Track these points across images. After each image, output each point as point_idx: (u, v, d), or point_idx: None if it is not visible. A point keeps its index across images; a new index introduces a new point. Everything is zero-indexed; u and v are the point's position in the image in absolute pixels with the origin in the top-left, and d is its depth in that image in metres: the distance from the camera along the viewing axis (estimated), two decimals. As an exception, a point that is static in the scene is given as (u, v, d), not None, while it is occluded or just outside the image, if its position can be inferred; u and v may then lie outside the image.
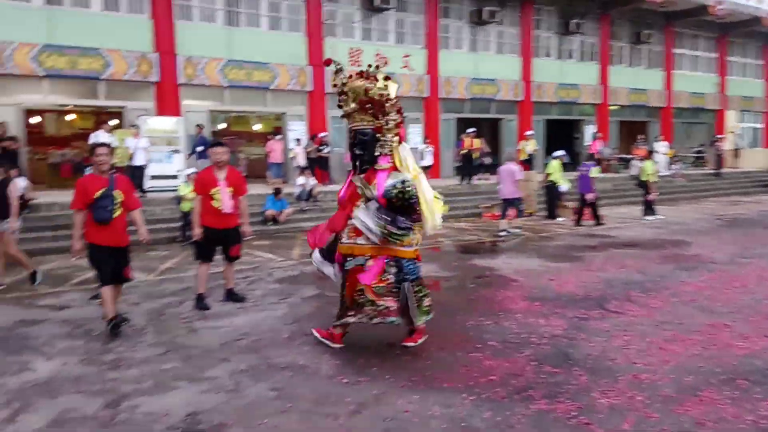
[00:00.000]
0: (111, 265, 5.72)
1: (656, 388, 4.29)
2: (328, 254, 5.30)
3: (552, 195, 14.68)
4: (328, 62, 5.23)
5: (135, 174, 13.37)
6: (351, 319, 5.06)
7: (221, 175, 6.55)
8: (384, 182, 4.96)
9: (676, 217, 14.90)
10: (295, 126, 18.29)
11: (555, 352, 5.09)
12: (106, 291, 5.69)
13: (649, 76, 26.09)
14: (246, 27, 17.14)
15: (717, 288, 7.29)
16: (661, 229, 12.69)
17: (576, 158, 24.96)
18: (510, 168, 12.56)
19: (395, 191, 4.87)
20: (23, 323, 6.10)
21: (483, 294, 7.17)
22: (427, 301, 5.23)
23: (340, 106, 5.29)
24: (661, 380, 4.42)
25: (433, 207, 5.13)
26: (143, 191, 13.44)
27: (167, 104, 15.82)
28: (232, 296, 6.89)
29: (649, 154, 15.00)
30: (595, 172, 13.66)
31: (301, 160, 15.97)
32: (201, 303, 6.60)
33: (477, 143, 18.30)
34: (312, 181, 14.58)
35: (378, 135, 5.09)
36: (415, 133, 20.41)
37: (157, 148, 14.43)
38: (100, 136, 12.53)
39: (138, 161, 13.34)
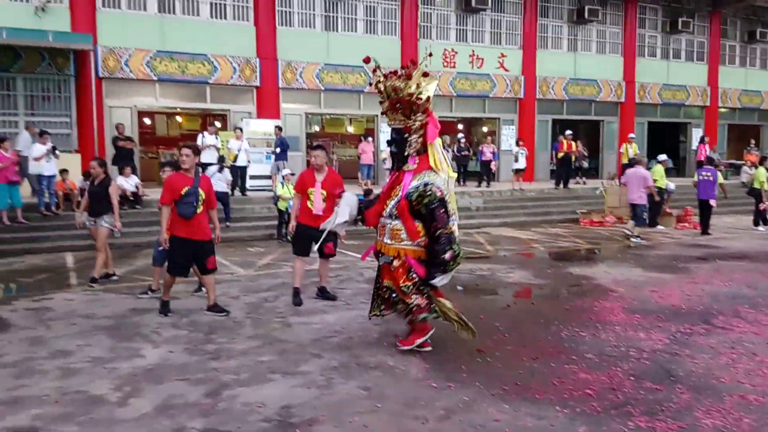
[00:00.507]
0: (188, 258, 6.32)
1: (766, 411, 3.98)
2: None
3: (654, 202, 13.93)
4: (367, 60, 5.18)
5: (239, 174, 14.01)
6: (387, 314, 5.34)
7: (319, 177, 6.75)
8: (409, 183, 5.03)
9: (796, 228, 13.73)
10: (386, 128, 18.48)
11: (655, 367, 4.84)
12: (169, 279, 6.40)
13: (763, 77, 24.28)
14: (342, 32, 17.51)
15: (843, 308, 6.65)
16: (778, 241, 11.76)
17: (681, 163, 23.68)
18: (639, 172, 12.10)
19: (416, 194, 4.93)
20: (134, 312, 6.54)
21: (579, 304, 6.92)
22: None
23: (381, 102, 5.32)
24: (775, 405, 4.10)
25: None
26: (244, 191, 14.02)
27: (267, 107, 16.46)
28: (324, 294, 7.07)
29: (762, 161, 13.93)
30: (720, 178, 12.91)
31: (389, 163, 16.09)
32: (296, 298, 6.82)
33: (575, 146, 17.72)
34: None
35: (407, 135, 5.11)
36: (509, 135, 20.09)
37: (257, 149, 15.05)
38: (206, 138, 13.26)
39: (241, 162, 13.94)
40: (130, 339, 5.60)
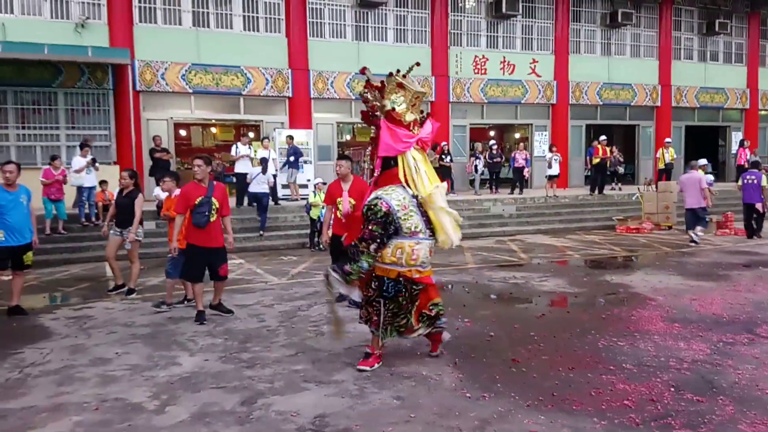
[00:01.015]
0: (201, 264, 6.56)
1: (820, 427, 3.83)
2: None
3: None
4: (363, 71, 5.16)
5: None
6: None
7: (346, 186, 6.80)
8: (368, 196, 5.03)
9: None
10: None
11: (697, 378, 4.71)
12: (198, 287, 6.59)
13: (807, 79, 23.57)
14: (373, 41, 17.62)
15: None
16: (825, 247, 11.35)
17: (720, 168, 23.09)
18: (694, 176, 11.97)
19: (366, 207, 4.87)
20: (171, 320, 6.65)
21: (616, 313, 6.79)
22: (400, 320, 4.99)
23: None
24: (826, 419, 3.94)
25: (446, 222, 4.97)
26: (276, 200, 14.17)
27: (299, 117, 16.64)
28: (355, 302, 7.07)
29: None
30: (764, 181, 12.59)
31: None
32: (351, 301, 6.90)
33: (609, 151, 17.46)
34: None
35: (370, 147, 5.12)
36: (541, 141, 19.90)
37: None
38: (239, 148, 13.45)
39: (270, 171, 14.05)
40: (167, 347, 5.69)
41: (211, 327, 6.35)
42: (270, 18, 16.46)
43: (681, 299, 7.36)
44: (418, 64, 5.25)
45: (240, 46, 16.02)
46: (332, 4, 17.17)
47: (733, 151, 21.65)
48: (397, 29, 17.98)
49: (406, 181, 4.94)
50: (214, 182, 6.70)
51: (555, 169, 16.83)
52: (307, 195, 12.94)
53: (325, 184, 10.82)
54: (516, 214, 15.36)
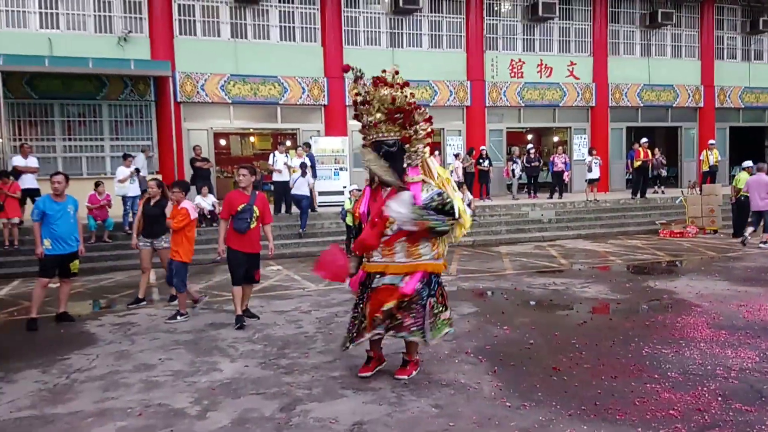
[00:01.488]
0: (243, 268, 6.74)
1: None
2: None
3: (741, 211, 13.21)
4: (347, 68, 4.91)
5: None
6: (367, 335, 4.83)
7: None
8: (420, 195, 4.73)
9: None
10: (452, 141, 18.44)
11: (745, 387, 4.55)
12: (237, 290, 6.75)
13: None
14: (408, 47, 17.65)
15: None
16: None
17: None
18: (762, 179, 11.76)
19: (434, 203, 4.69)
20: (212, 326, 6.76)
21: (660, 319, 6.61)
22: (444, 315, 4.91)
23: (357, 117, 4.93)
24: None
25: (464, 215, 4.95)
26: (313, 207, 14.26)
27: (335, 125, 16.77)
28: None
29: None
30: None
31: (460, 175, 16.00)
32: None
33: (651, 154, 17.08)
34: (468, 195, 14.55)
35: (407, 146, 4.82)
36: (581, 144, 19.61)
37: (326, 166, 15.34)
38: (277, 156, 13.62)
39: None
40: (209, 353, 5.78)
41: (251, 333, 6.43)
42: (306, 27, 16.66)
43: (728, 305, 7.14)
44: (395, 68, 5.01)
45: (277, 56, 16.25)
46: (367, 12, 17.29)
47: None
48: (431, 35, 17.98)
49: (430, 175, 4.98)
50: (257, 192, 6.92)
51: (595, 173, 16.53)
52: (343, 202, 13.01)
53: (360, 190, 10.86)
54: (555, 219, 15.14)
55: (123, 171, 12.24)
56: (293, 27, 16.55)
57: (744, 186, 12.66)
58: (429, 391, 4.63)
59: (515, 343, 5.86)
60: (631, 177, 18.12)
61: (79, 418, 4.31)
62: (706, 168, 17.46)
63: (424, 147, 4.88)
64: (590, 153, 16.99)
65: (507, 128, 19.35)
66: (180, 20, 15.50)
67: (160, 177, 13.12)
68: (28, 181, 11.67)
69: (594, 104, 19.61)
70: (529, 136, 22.98)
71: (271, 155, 14.00)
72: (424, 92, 17.43)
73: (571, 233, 14.28)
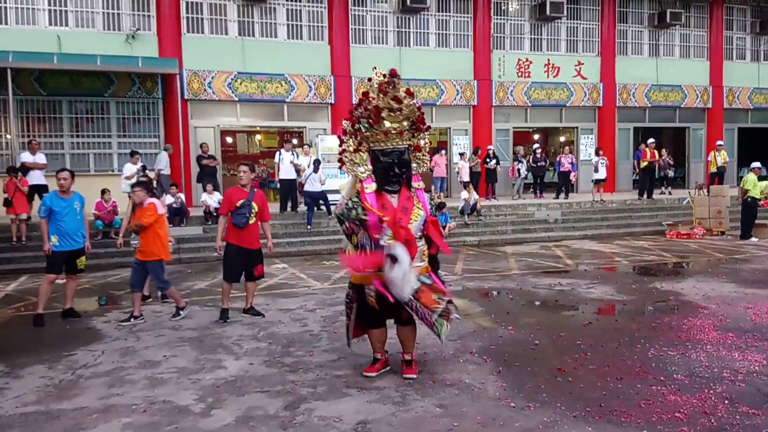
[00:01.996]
0: (241, 264, 6.85)
1: None
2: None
3: (749, 212, 13.14)
4: (394, 73, 4.81)
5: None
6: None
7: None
8: (426, 201, 4.90)
9: None
10: (459, 140, 18.41)
11: (752, 390, 4.51)
12: (227, 286, 6.88)
13: None
14: (415, 46, 17.63)
15: None
16: None
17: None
18: None
19: (434, 203, 4.90)
20: (217, 324, 6.76)
21: (666, 321, 6.57)
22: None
23: (369, 124, 4.78)
24: None
25: None
26: (319, 206, 14.25)
27: (341, 123, 16.73)
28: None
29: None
30: None
31: (465, 175, 15.95)
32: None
33: (658, 154, 16.99)
34: (475, 195, 14.53)
35: (418, 153, 4.96)
36: (587, 144, 19.54)
37: (332, 164, 15.26)
38: (283, 154, 13.61)
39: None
40: (213, 350, 5.79)
41: (256, 331, 6.43)
42: (313, 26, 16.66)
43: (735, 307, 7.09)
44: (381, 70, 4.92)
45: (284, 54, 16.26)
46: (374, 11, 17.27)
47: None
48: (438, 34, 17.95)
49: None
50: (255, 189, 7.04)
51: (602, 173, 16.46)
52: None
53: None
54: (561, 219, 15.08)
55: (130, 168, 12.27)
56: (300, 25, 16.56)
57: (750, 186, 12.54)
58: (433, 391, 4.61)
59: (520, 343, 5.84)
60: (637, 177, 18.04)
61: (84, 414, 4.32)
62: (714, 169, 17.38)
63: (425, 155, 5.01)
64: (597, 153, 16.92)
65: (514, 128, 19.30)
66: (188, 18, 15.52)
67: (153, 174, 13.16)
68: (35, 178, 11.72)
69: (601, 104, 19.54)
70: (536, 136, 22.90)
71: (278, 153, 14.00)
72: (431, 91, 17.41)
73: (577, 234, 14.22)
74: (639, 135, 20.09)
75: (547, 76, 18.93)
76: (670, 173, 19.05)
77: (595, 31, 19.48)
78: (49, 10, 14.43)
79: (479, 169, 16.75)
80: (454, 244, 12.83)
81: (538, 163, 17.62)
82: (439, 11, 17.90)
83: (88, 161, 14.85)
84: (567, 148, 18.50)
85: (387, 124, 4.76)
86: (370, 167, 4.83)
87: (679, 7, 20.00)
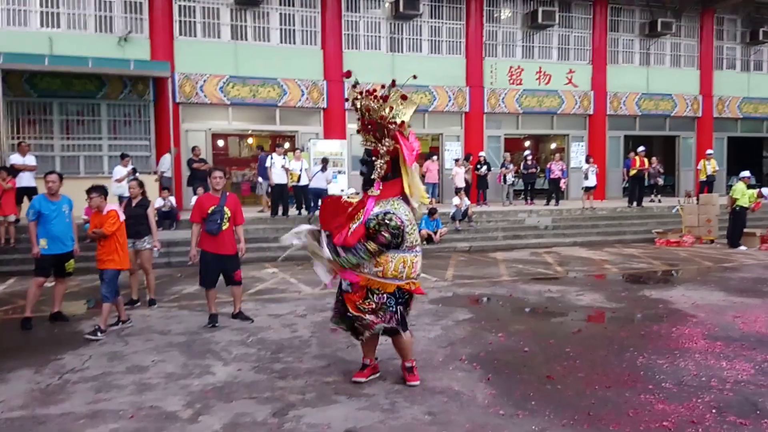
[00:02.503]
0: (216, 271, 6.85)
1: None
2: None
3: (737, 221, 13.24)
4: (348, 74, 4.94)
5: (302, 194, 14.24)
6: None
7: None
8: (371, 209, 4.73)
9: None
10: (451, 146, 18.46)
11: (740, 400, 4.54)
12: (210, 293, 6.90)
13: None
14: (407, 52, 17.67)
15: None
16: None
17: (765, 180, 22.40)
18: None
19: (374, 221, 4.64)
20: (206, 329, 6.72)
21: (655, 329, 6.60)
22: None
23: (358, 120, 4.96)
24: None
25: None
26: (309, 209, 14.24)
27: (334, 128, 16.77)
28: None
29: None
30: None
31: (459, 181, 15.98)
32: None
33: (647, 163, 17.10)
34: (466, 201, 14.57)
35: (373, 158, 4.82)
36: (578, 151, 19.63)
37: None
38: (275, 159, 13.58)
39: (303, 182, 14.16)
40: (202, 356, 5.75)
41: (245, 337, 6.40)
42: (306, 30, 16.67)
43: (723, 316, 7.13)
44: (414, 77, 5.11)
45: (277, 58, 16.24)
46: (367, 16, 17.31)
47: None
48: (431, 40, 18.00)
49: (410, 192, 4.85)
50: (227, 193, 7.01)
51: (592, 181, 16.54)
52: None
53: (358, 194, 10.84)
54: (552, 226, 15.13)
55: (120, 170, 12.21)
56: (293, 30, 16.56)
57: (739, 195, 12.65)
58: (422, 398, 4.61)
59: (510, 350, 5.85)
60: (627, 185, 18.14)
61: (71, 420, 4.28)
62: (703, 177, 17.50)
63: (383, 163, 4.79)
64: (587, 161, 17.01)
65: (505, 134, 19.36)
66: (180, 21, 15.49)
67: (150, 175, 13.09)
68: (25, 180, 11.62)
69: (592, 112, 19.65)
70: (527, 143, 23.00)
71: (269, 157, 13.97)
72: (423, 97, 17.44)
73: (567, 240, 14.27)
74: (629, 143, 20.20)
75: (539, 84, 19.02)
76: (660, 181, 19.18)
77: (587, 39, 19.61)
78: (41, 12, 14.35)
79: (470, 175, 16.80)
80: (445, 250, 12.86)
81: (529, 170, 17.69)
82: (432, 18, 17.97)
83: (79, 164, 14.75)
84: (558, 155, 18.58)
85: (359, 122, 4.91)
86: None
87: (670, 16, 20.16)
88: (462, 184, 15.77)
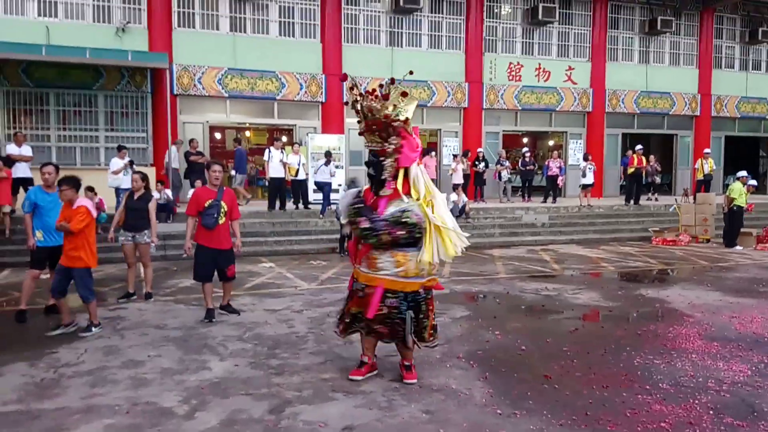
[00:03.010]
0: (210, 266, 6.82)
1: None
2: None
3: (734, 220, 13.26)
4: (344, 78, 4.91)
5: (300, 188, 14.20)
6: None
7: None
8: (384, 209, 4.73)
9: None
10: (449, 142, 18.43)
11: (737, 401, 4.54)
12: (207, 287, 6.84)
13: None
14: (407, 47, 17.60)
15: None
16: None
17: (760, 180, 22.42)
18: None
19: (392, 220, 4.65)
20: (203, 323, 6.69)
21: (652, 329, 6.60)
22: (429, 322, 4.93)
23: (359, 122, 4.92)
24: None
25: (447, 234, 4.76)
26: (307, 205, 14.23)
27: (332, 122, 16.71)
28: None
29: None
30: None
31: (457, 177, 15.93)
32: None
33: (645, 161, 17.09)
34: (464, 197, 14.54)
35: (381, 158, 4.77)
36: (576, 149, 19.63)
37: (322, 162, 15.24)
38: (272, 152, 13.54)
39: (300, 176, 14.11)
40: (198, 351, 5.73)
41: (241, 332, 6.37)
42: (306, 23, 16.59)
43: (720, 316, 7.14)
44: (411, 72, 5.21)
45: (275, 51, 16.17)
46: (367, 10, 17.22)
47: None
48: (431, 35, 17.93)
49: (415, 191, 4.82)
50: (224, 187, 6.99)
51: (589, 178, 16.54)
52: (338, 200, 12.98)
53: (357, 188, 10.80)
54: (549, 224, 15.13)
55: (117, 162, 12.16)
56: (293, 23, 16.47)
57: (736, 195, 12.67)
58: (420, 396, 4.59)
59: (507, 348, 5.84)
60: (624, 183, 18.15)
61: (65, 414, 4.25)
62: (700, 176, 17.53)
63: (393, 161, 4.75)
64: (585, 158, 17.02)
65: (504, 131, 19.34)
66: (179, 12, 15.39)
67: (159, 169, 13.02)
68: (21, 170, 11.54)
69: (591, 109, 19.63)
70: (525, 140, 22.98)
71: (267, 151, 13.93)
72: (422, 92, 17.39)
73: (564, 238, 14.27)
74: (627, 141, 20.21)
75: (538, 80, 18.99)
76: (657, 179, 19.19)
77: (587, 36, 19.57)
78: (38, 1, 14.24)
79: (469, 171, 16.77)
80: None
81: (527, 167, 17.68)
82: (432, 12, 17.89)
83: (75, 155, 14.66)
84: (556, 152, 18.54)
85: (360, 125, 4.90)
86: None
87: (669, 14, 20.14)
88: (460, 180, 15.75)
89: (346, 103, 5.01)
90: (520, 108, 18.93)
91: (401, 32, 17.59)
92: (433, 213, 4.74)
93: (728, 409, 4.38)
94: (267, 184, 14.37)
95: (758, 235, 13.47)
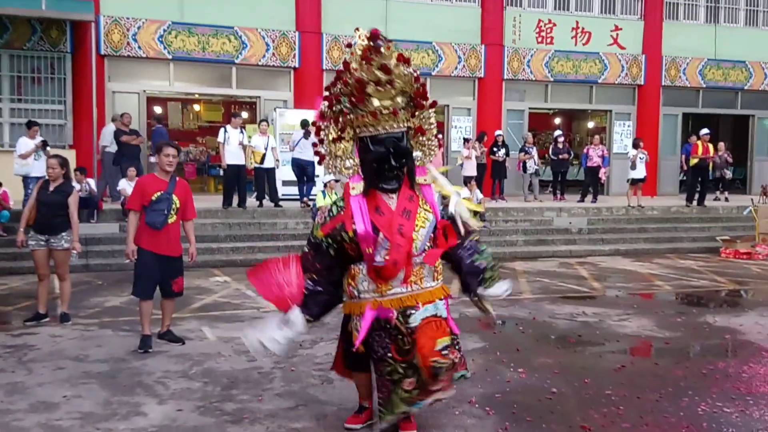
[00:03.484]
0: (155, 276, 6.76)
1: None
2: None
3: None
4: (377, 33, 4.61)
5: (266, 179, 14.19)
6: (441, 395, 4.68)
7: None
8: (436, 201, 4.74)
9: None
10: (459, 122, 18.46)
11: (830, 462, 4.58)
12: (145, 305, 6.79)
13: None
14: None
15: None
16: None
17: None
18: None
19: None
20: (135, 355, 6.67)
21: (721, 367, 6.64)
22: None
23: (353, 103, 4.61)
24: None
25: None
26: (276, 201, 14.22)
27: (308, 94, 16.64)
28: None
29: None
30: None
31: (470, 168, 15.94)
32: None
33: (713, 150, 17.22)
34: (478, 194, 14.59)
35: (421, 137, 4.79)
36: (623, 133, 19.73)
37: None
38: (229, 132, 13.51)
39: (268, 163, 14.11)
40: (130, 391, 5.70)
41: (187, 366, 6.36)
42: (274, -35, 16.61)
43: (808, 352, 7.20)
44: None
45: (235, 1, 16.14)
46: (355, -51, 17.26)
47: None
48: (434, -17, 18.00)
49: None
50: (177, 178, 6.97)
51: (640, 171, 16.64)
52: (315, 196, 13.00)
53: (338, 181, 10.83)
54: (587, 229, 15.22)
55: (26, 143, 12.11)
56: (258, -36, 16.49)
57: None
58: (421, 453, 4.60)
59: (533, 391, 5.85)
60: (685, 178, 18.26)
61: (-47, 474, 4.22)
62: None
63: (434, 139, 4.84)
64: (635, 145, 17.10)
65: (530, 108, 19.46)
66: (109, -52, 15.37)
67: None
68: None
69: (643, 82, 19.77)
70: (557, 120, 23.10)
71: (222, 130, 13.90)
72: (425, 57, 17.47)
73: (606, 248, 14.35)
74: (690, 123, 20.37)
75: (575, 44, 19.10)
76: (728, 174, 19.34)
77: (639, -13, 19.73)
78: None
79: (485, 160, 16.81)
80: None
81: (560, 156, 17.75)
82: (438, -47, 17.98)
83: (-31, 132, 14.63)
84: (597, 137, 18.67)
85: (375, 102, 4.53)
86: (358, 160, 4.71)
87: (745, -39, 20.35)
88: (473, 173, 15.80)
89: (360, 80, 4.49)
90: (551, 79, 19.03)
91: (400, -21, 17.65)
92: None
93: (819, 471, 4.41)
94: (222, 173, 14.33)
95: None
